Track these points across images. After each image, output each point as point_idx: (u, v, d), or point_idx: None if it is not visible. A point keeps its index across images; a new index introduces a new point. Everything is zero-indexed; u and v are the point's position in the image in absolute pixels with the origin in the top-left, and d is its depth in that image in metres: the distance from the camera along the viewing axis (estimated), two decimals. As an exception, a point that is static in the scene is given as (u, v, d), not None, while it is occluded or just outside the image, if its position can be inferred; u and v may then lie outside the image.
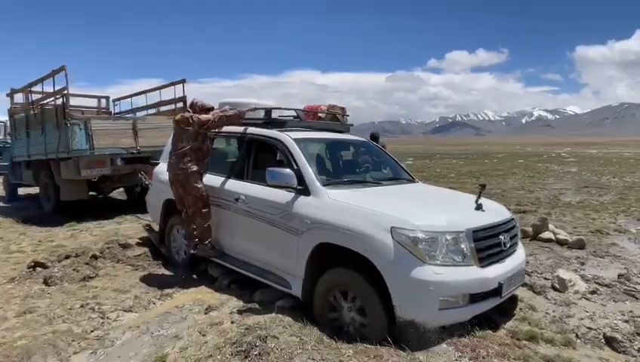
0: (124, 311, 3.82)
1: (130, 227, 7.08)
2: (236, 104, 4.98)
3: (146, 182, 7.72)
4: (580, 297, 3.94)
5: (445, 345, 2.91)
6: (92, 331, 3.40)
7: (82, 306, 3.80)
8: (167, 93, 10.17)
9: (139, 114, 10.37)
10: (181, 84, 9.54)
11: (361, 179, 4.21)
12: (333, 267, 3.43)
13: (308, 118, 4.78)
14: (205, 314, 3.76)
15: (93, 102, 11.71)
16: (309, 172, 3.78)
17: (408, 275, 2.94)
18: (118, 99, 11.76)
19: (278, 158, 5.35)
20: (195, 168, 4.36)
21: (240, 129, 4.66)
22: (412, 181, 4.58)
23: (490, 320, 3.33)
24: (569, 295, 3.98)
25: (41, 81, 8.27)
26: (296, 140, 4.09)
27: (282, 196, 3.81)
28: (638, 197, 10.34)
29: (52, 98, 8.01)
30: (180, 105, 9.53)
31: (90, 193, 8.69)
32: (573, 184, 13.67)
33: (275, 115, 4.54)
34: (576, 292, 4.01)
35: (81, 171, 7.55)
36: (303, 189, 3.72)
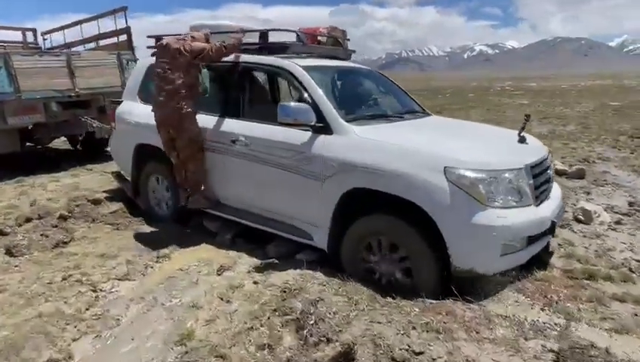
0: (119, 279, 3.21)
1: (91, 179, 6.17)
2: (212, 28, 4.15)
3: (94, 126, 6.70)
4: (606, 228, 3.85)
5: (511, 292, 2.65)
6: (87, 309, 2.80)
7: (65, 279, 3.13)
8: (107, 24, 8.74)
9: (74, 49, 8.88)
10: (123, 12, 8.16)
11: (382, 113, 3.69)
12: (365, 214, 3.00)
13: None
14: (218, 275, 3.26)
15: (17, 36, 9.89)
16: (329, 106, 3.20)
17: (469, 221, 2.58)
18: (48, 33, 9.98)
19: (279, 91, 4.66)
20: (190, 107, 3.62)
21: (229, 57, 3.89)
22: (427, 114, 4.14)
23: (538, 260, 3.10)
24: (595, 226, 3.88)
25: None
26: (306, 68, 3.45)
27: (296, 136, 3.24)
28: (600, 125, 10.70)
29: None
30: (123, 37, 8.22)
31: (28, 144, 7.49)
32: (533, 115, 13.93)
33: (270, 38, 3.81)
34: (601, 224, 3.91)
35: (8, 119, 6.30)
36: (323, 127, 3.16)
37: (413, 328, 2.27)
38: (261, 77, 4.78)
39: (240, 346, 2.29)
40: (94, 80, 7.20)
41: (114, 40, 8.39)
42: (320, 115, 3.17)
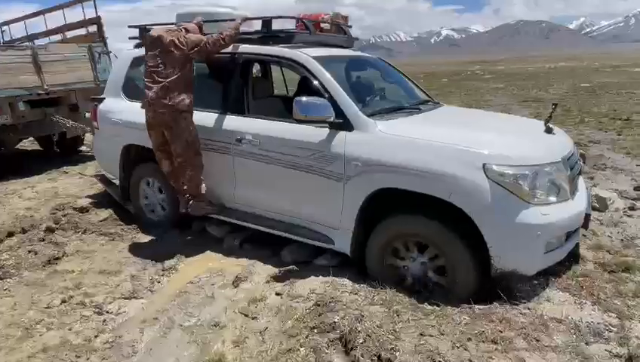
0: (125, 298, 2.92)
1: (70, 183, 5.72)
2: (206, 15, 3.82)
3: (67, 126, 6.21)
4: (621, 215, 3.81)
5: (556, 292, 2.53)
6: (96, 336, 2.50)
7: (64, 301, 2.81)
8: (74, 14, 8.11)
9: (38, 42, 8.21)
10: (92, 0, 7.55)
11: (399, 106, 3.48)
12: (392, 215, 2.81)
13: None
14: (235, 287, 3.01)
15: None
16: (348, 101, 2.97)
17: (513, 220, 2.43)
18: (6, 24, 9.18)
19: (286, 84, 4.37)
20: (187, 104, 3.31)
21: (229, 48, 3.58)
22: (437, 103, 3.96)
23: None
24: (610, 213, 3.83)
25: None
26: (319, 59, 3.20)
27: (312, 133, 3.00)
28: (579, 107, 10.89)
29: None
30: (93, 28, 7.64)
31: None
32: (512, 99, 14.12)
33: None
34: (616, 210, 3.88)
35: None
36: (343, 123, 2.93)
37: (469, 339, 2.12)
38: (266, 69, 4.49)
39: (282, 372, 2.07)
40: (64, 75, 6.65)
41: (83, 31, 7.79)
42: (338, 110, 2.93)
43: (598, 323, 2.25)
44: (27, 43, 8.03)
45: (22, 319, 2.61)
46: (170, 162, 3.52)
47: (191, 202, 3.57)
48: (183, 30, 3.39)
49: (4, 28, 9.23)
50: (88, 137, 7.32)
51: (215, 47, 3.35)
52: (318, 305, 2.46)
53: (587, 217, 2.79)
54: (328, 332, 2.22)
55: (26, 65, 6.30)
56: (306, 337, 2.24)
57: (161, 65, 3.25)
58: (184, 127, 3.35)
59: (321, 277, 2.94)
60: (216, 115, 3.54)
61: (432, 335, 2.14)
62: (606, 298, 2.46)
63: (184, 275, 3.23)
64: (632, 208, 3.89)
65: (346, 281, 2.83)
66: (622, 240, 3.31)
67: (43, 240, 3.61)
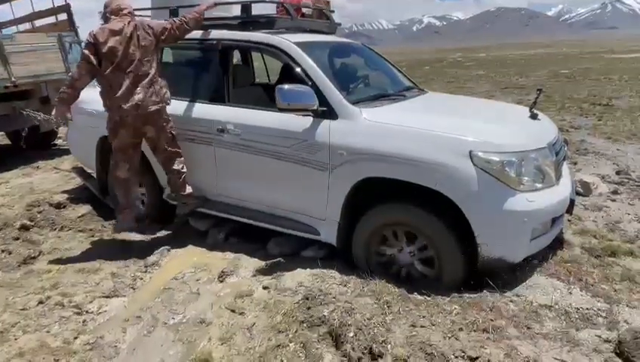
0: (106, 297, 2.81)
1: (45, 178, 5.52)
2: (179, 1, 3.68)
3: (38, 119, 5.96)
4: (605, 199, 3.84)
5: (544, 278, 2.53)
6: (75, 337, 2.40)
7: (41, 302, 2.69)
8: (43, 2, 7.77)
9: (5, 31, 7.84)
10: None
11: (384, 93, 3.41)
12: (378, 204, 2.77)
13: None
14: (220, 282, 2.93)
15: None
16: (332, 88, 2.88)
17: (500, 208, 2.40)
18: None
19: (268, 71, 4.28)
20: (169, 95, 3.19)
21: (205, 34, 3.45)
22: (422, 90, 3.91)
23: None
24: (594, 198, 3.86)
25: None
26: (301, 45, 3.10)
27: (295, 122, 2.91)
28: (560, 93, 11.01)
29: None
30: (63, 17, 7.32)
31: None
32: (494, 86, 14.22)
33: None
34: (600, 195, 3.91)
35: None
36: (327, 111, 2.85)
37: (460, 329, 2.09)
38: (247, 56, 4.35)
39: (272, 369, 2.01)
40: (34, 67, 6.31)
41: (52, 20, 7.46)
42: (322, 98, 2.85)
43: (587, 309, 2.25)
44: (-7, 33, 7.68)
45: (-4, 323, 2.48)
46: (129, 166, 3.34)
47: (179, 197, 3.45)
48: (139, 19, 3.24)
49: (-35, 17, 8.80)
50: (62, 130, 7.06)
51: (180, 32, 3.23)
52: (307, 299, 2.40)
53: (572, 203, 2.79)
54: (318, 326, 2.17)
55: None
56: (295, 332, 2.19)
57: (137, 62, 3.08)
58: (167, 118, 3.23)
59: (308, 269, 2.88)
60: (196, 104, 3.43)
61: (423, 326, 2.11)
62: (594, 283, 2.46)
63: (167, 271, 3.13)
64: (615, 192, 3.93)
65: (335, 273, 2.77)
66: (606, 224, 3.33)
67: (18, 238, 3.46)
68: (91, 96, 4.05)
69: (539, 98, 3.07)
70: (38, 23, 7.78)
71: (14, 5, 7.92)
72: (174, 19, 3.28)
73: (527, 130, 2.79)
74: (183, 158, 3.37)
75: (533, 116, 2.99)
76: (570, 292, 2.39)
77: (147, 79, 3.09)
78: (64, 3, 7.19)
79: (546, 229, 2.62)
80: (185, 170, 3.38)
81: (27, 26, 7.95)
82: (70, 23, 7.20)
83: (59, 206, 4.14)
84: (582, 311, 2.24)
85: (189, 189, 3.41)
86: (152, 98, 3.11)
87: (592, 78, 14.37)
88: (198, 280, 2.96)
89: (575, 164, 4.94)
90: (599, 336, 2.04)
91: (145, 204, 3.99)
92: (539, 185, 2.54)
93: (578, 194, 3.93)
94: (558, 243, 2.91)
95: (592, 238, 3.07)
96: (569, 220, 3.34)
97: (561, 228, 2.96)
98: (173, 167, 3.33)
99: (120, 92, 3.05)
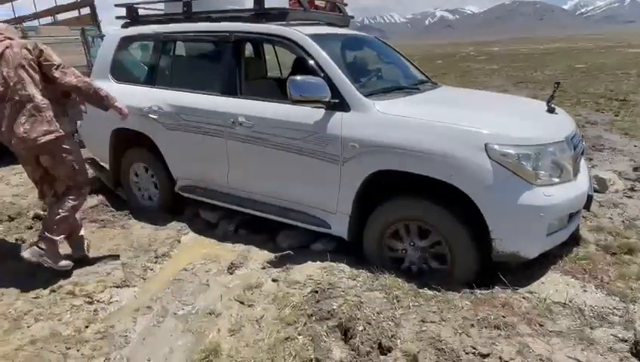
0: (117, 286, 2.82)
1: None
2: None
3: None
4: (621, 196, 3.76)
5: (558, 275, 2.48)
6: (87, 326, 2.42)
7: (53, 291, 2.72)
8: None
9: (27, 24, 7.92)
10: None
11: (397, 85, 3.36)
12: (390, 198, 2.74)
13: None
14: (230, 274, 2.93)
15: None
16: (345, 80, 2.85)
17: (515, 202, 2.35)
18: (-10, 5, 8.91)
19: (280, 64, 4.25)
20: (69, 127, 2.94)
21: (218, 26, 3.44)
22: (436, 83, 3.85)
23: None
24: (610, 195, 3.78)
25: None
26: (314, 37, 3.06)
27: (307, 114, 2.89)
28: (575, 88, 10.79)
29: None
30: (85, 11, 7.38)
31: None
32: (507, 80, 14.00)
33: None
34: (616, 191, 3.83)
35: None
36: (339, 103, 2.81)
37: (471, 325, 2.06)
38: (259, 49, 4.33)
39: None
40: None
41: (74, 13, 7.54)
42: (335, 90, 2.81)
43: (602, 307, 2.21)
44: (16, 25, 7.76)
45: (9, 310, 2.51)
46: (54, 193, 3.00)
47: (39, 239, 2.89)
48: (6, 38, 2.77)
49: (-11, 10, 8.93)
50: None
51: (64, 82, 2.81)
52: (316, 292, 2.39)
53: (589, 198, 2.74)
54: (327, 319, 2.16)
55: None
56: (304, 325, 2.18)
57: (19, 85, 2.65)
58: (68, 148, 2.88)
59: (318, 262, 2.88)
60: (208, 96, 3.41)
61: (433, 322, 2.09)
62: (609, 281, 2.41)
63: (177, 262, 3.15)
64: (632, 189, 3.85)
65: (344, 266, 2.76)
66: (623, 221, 3.26)
67: (31, 228, 3.50)
68: (105, 89, 4.09)
69: (557, 91, 2.99)
70: (61, 16, 7.85)
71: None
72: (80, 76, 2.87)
73: (544, 124, 2.73)
74: (79, 202, 2.96)
75: (551, 110, 2.92)
76: (585, 290, 2.34)
77: (30, 105, 2.63)
78: None
79: (562, 225, 2.57)
80: (71, 218, 2.92)
81: (49, 20, 8.04)
82: (93, 17, 7.26)
83: (71, 196, 4.17)
84: (597, 309, 2.19)
85: (59, 239, 2.88)
86: (41, 128, 2.66)
87: (609, 73, 14.06)
88: (207, 271, 2.97)
89: (591, 159, 4.84)
90: (615, 335, 1.99)
91: (157, 195, 4.01)
92: (556, 180, 2.48)
93: (594, 190, 3.86)
94: (573, 239, 2.85)
95: (608, 235, 3.01)
96: (584, 217, 3.28)
97: (578, 225, 2.91)
98: (61, 207, 2.86)
99: (4, 125, 2.67)
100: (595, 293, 2.32)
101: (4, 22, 8.28)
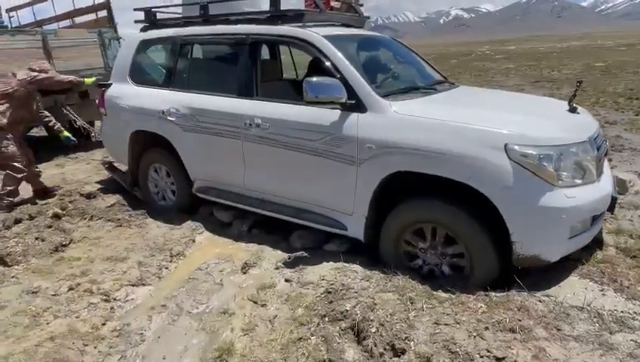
0: (133, 285, 2.87)
1: (77, 169, 5.70)
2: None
3: (77, 124, 6.03)
4: (642, 197, 3.66)
5: (577, 278, 2.43)
6: (103, 324, 2.46)
7: (72, 289, 2.77)
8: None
9: (46, 27, 8.10)
10: None
11: (413, 86, 3.34)
12: (408, 200, 2.71)
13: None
14: (244, 273, 2.96)
15: (-24, 15, 8.97)
16: (361, 81, 2.84)
17: (536, 203, 2.31)
18: (13, 9, 9.08)
19: (295, 65, 4.27)
20: None
21: (234, 28, 3.46)
22: (453, 84, 3.81)
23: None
24: (630, 196, 3.70)
25: None
26: (330, 39, 3.06)
27: (324, 115, 2.89)
28: (594, 87, 10.58)
29: None
30: (102, 13, 7.50)
31: None
32: (523, 79, 13.80)
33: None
34: (636, 193, 3.74)
35: None
36: (356, 104, 2.80)
37: (486, 328, 2.04)
38: (274, 51, 4.35)
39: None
40: (74, 61, 6.56)
41: (92, 16, 7.67)
42: (351, 91, 2.81)
43: (622, 312, 2.15)
44: (37, 28, 7.94)
45: (29, 307, 2.57)
46: None
47: None
48: None
49: (12, 14, 9.16)
50: (97, 123, 7.25)
51: None
52: (329, 293, 2.39)
53: (613, 200, 2.68)
54: (340, 320, 2.16)
55: (36, 51, 6.23)
56: (317, 325, 2.18)
57: None
58: None
59: (331, 262, 2.87)
60: (224, 98, 3.44)
61: (447, 324, 2.07)
62: (629, 285, 2.35)
63: (192, 261, 3.18)
64: (653, 191, 3.75)
65: (357, 267, 2.75)
66: (643, 224, 3.18)
67: (50, 226, 3.58)
68: (122, 91, 4.16)
69: (579, 90, 2.94)
70: (79, 19, 8.00)
71: (56, 3, 8.17)
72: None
73: (566, 124, 2.68)
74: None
75: (573, 109, 2.86)
76: (604, 294, 2.29)
77: None
78: (104, 0, 7.38)
79: (585, 227, 2.51)
80: None
81: (67, 23, 8.20)
82: (110, 20, 7.39)
83: (89, 196, 4.26)
84: (616, 313, 2.14)
85: None
86: None
87: (629, 72, 13.75)
88: (221, 270, 3.00)
89: (610, 160, 4.73)
90: (635, 341, 1.95)
91: (175, 194, 4.06)
92: (578, 181, 2.43)
93: (614, 192, 3.78)
94: (593, 242, 2.79)
95: (628, 238, 2.94)
96: (604, 219, 3.20)
97: (601, 228, 2.85)
98: None
99: None
100: (615, 297, 2.27)
101: (25, 26, 8.51)
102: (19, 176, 4.20)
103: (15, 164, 4.18)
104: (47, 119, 4.68)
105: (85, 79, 4.71)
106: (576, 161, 2.42)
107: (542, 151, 2.31)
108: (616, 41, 40.02)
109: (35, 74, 4.33)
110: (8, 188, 4.13)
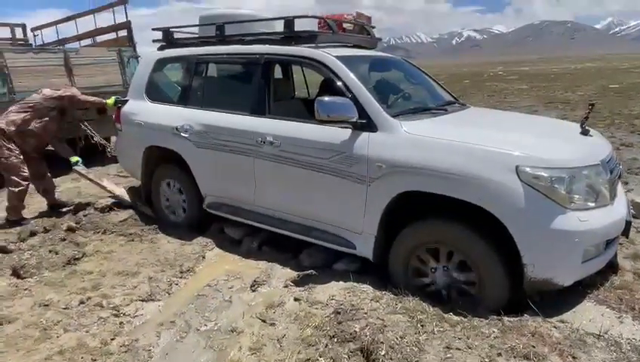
0: (142, 300, 2.88)
1: (92, 184, 5.76)
2: (229, 17, 3.82)
3: (94, 140, 6.16)
4: (659, 221, 3.57)
5: (593, 304, 2.37)
6: (112, 339, 2.46)
7: (82, 302, 2.79)
8: (104, 19, 8.21)
9: (68, 46, 8.37)
10: (122, 5, 7.64)
11: (424, 106, 3.36)
12: (418, 220, 2.69)
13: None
14: (253, 291, 2.94)
15: (5, 32, 9.29)
16: (372, 101, 2.87)
17: (548, 226, 2.28)
18: (38, 28, 9.41)
19: (308, 85, 4.34)
20: None
21: (249, 48, 3.54)
22: (464, 105, 3.82)
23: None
24: (647, 220, 3.61)
25: None
26: (342, 59, 3.11)
27: (334, 134, 2.91)
28: (609, 109, 10.49)
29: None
30: (123, 33, 7.74)
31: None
32: (537, 100, 13.74)
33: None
34: (654, 217, 3.64)
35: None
36: (366, 123, 2.83)
37: (499, 354, 1.99)
38: (287, 70, 4.43)
39: (301, 383, 1.99)
40: (94, 79, 6.75)
41: (112, 35, 7.91)
42: (362, 111, 2.84)
43: (641, 340, 2.09)
44: (59, 47, 8.21)
45: (40, 320, 2.59)
46: None
47: None
48: None
49: (37, 32, 9.49)
50: (112, 139, 7.39)
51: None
52: (338, 313, 2.37)
53: (628, 224, 2.63)
54: (349, 341, 2.13)
55: (58, 68, 6.44)
56: (325, 346, 2.15)
57: None
58: None
59: (341, 282, 2.86)
60: (237, 116, 3.49)
61: (458, 349, 2.03)
62: (647, 313, 2.29)
63: (202, 278, 3.18)
64: (671, 215, 3.66)
65: (367, 288, 2.73)
66: (661, 249, 3.10)
67: (64, 239, 3.63)
68: (137, 108, 4.26)
69: (591, 112, 2.92)
70: (100, 38, 8.27)
71: (79, 22, 8.45)
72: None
73: (578, 146, 2.66)
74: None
75: (585, 132, 2.84)
76: (622, 321, 2.23)
77: None
78: (125, 20, 7.63)
79: (599, 251, 2.47)
80: None
81: (89, 41, 8.47)
82: (129, 39, 7.62)
83: (103, 210, 4.31)
84: (634, 342, 2.08)
85: None
86: None
87: (645, 94, 13.61)
88: (230, 287, 2.99)
89: (626, 183, 4.66)
90: (654, 371, 1.88)
91: (185, 211, 4.09)
92: (591, 204, 2.40)
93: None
94: (609, 267, 2.73)
95: (645, 263, 2.87)
96: (620, 243, 3.13)
97: (615, 252, 2.79)
98: None
99: None
100: (633, 325, 2.21)
101: (48, 44, 8.80)
102: (16, 190, 4.17)
103: (13, 177, 4.19)
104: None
105: (107, 100, 4.83)
106: (588, 183, 2.40)
107: (554, 173, 2.29)
108: (631, 63, 39.76)
109: (61, 91, 4.46)
110: (12, 204, 4.21)
